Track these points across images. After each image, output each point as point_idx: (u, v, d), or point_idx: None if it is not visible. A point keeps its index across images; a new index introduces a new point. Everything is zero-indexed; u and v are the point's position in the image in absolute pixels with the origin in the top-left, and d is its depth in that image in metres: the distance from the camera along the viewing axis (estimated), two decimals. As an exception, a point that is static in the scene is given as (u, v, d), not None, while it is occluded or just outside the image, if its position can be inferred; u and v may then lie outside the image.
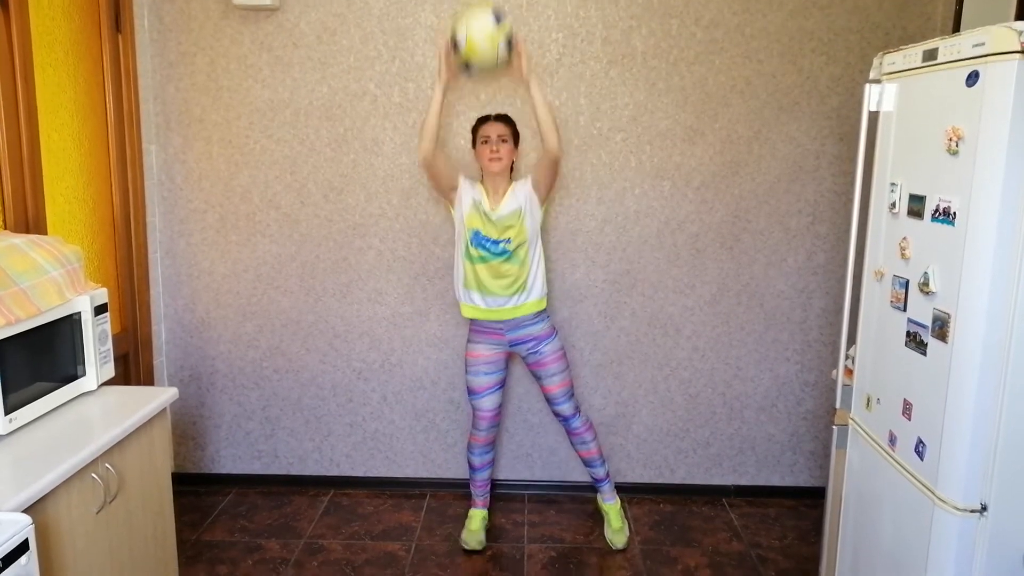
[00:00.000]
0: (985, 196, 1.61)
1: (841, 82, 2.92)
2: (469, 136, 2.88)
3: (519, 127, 2.78)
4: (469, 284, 2.71)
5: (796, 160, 2.98)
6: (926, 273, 1.80)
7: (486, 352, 2.77)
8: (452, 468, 3.27)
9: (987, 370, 1.65)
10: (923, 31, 2.88)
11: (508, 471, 3.27)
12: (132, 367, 2.98)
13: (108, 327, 2.19)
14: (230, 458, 3.30)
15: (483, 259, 2.66)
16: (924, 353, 1.82)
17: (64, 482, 1.69)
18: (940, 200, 1.75)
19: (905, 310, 1.91)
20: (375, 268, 3.12)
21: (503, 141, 2.64)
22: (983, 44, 1.59)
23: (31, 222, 2.33)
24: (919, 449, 1.83)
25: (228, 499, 3.20)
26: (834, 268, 3.05)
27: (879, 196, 2.08)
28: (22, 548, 1.41)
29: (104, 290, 2.17)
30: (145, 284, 3.06)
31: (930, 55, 1.81)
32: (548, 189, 2.69)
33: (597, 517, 3.05)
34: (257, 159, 3.06)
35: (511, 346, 2.77)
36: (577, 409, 2.84)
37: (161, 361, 3.20)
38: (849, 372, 2.24)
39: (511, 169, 2.72)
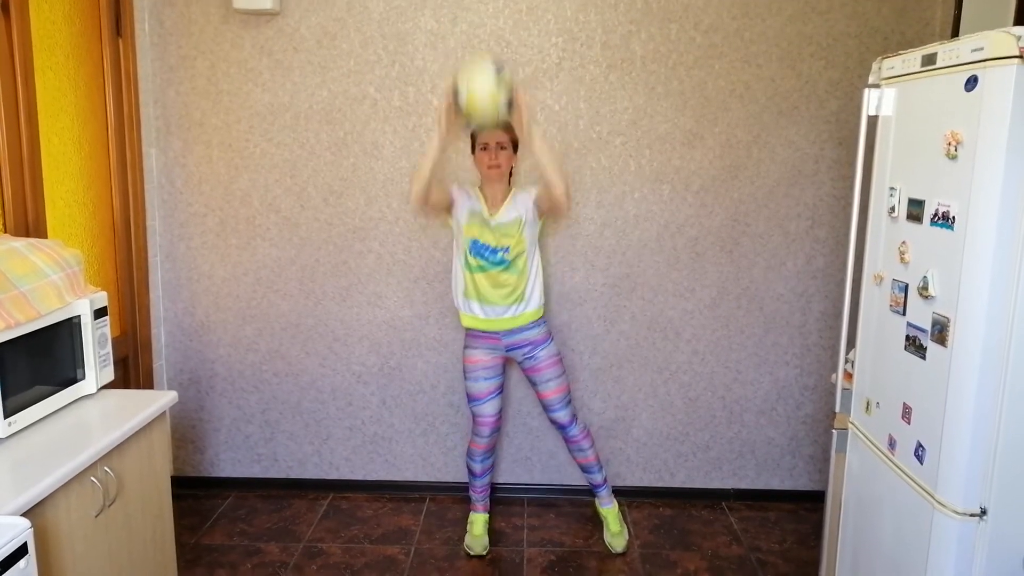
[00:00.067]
0: (984, 200, 1.61)
1: (840, 86, 2.93)
2: (468, 140, 2.88)
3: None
4: (469, 294, 2.71)
5: (795, 164, 2.98)
6: (925, 277, 1.80)
7: (484, 357, 2.77)
8: (452, 472, 3.27)
9: (986, 374, 1.65)
10: (922, 36, 2.89)
11: (508, 475, 3.26)
12: (132, 370, 2.98)
13: (108, 330, 2.19)
14: (229, 461, 3.30)
15: (482, 268, 2.66)
16: (923, 357, 1.82)
17: (63, 486, 1.69)
18: (939, 204, 1.76)
19: (904, 314, 1.91)
20: (375, 272, 3.12)
21: (502, 148, 2.64)
22: (982, 49, 1.60)
23: (31, 225, 2.33)
24: (919, 453, 1.83)
25: (227, 503, 3.19)
26: (833, 272, 3.05)
27: (878, 200, 2.08)
28: (21, 552, 1.41)
29: (104, 294, 2.17)
30: (145, 287, 3.06)
31: (929, 60, 1.81)
32: (545, 215, 2.72)
33: (597, 521, 3.04)
34: (257, 163, 3.06)
35: (507, 351, 2.77)
36: (574, 417, 2.83)
37: (161, 364, 3.19)
38: (849, 376, 2.24)
39: (510, 174, 2.73)
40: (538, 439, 3.22)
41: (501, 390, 2.83)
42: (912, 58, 1.90)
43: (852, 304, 2.18)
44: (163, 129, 3.05)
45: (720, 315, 3.10)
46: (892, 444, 1.96)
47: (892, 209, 1.99)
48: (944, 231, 1.74)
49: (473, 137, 2.70)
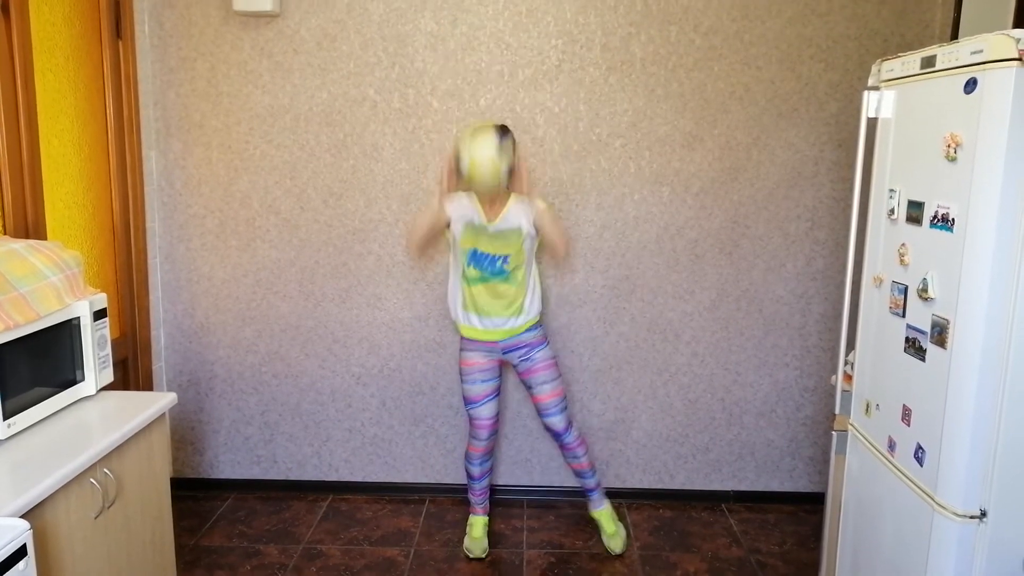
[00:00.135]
0: (983, 202, 1.61)
1: (840, 88, 2.93)
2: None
3: (516, 134, 2.79)
4: (467, 307, 2.71)
5: (795, 166, 2.99)
6: (925, 279, 1.80)
7: (481, 360, 2.77)
8: (451, 473, 3.26)
9: (986, 376, 1.65)
10: (921, 38, 2.90)
11: (507, 476, 3.26)
12: (131, 372, 2.97)
13: (107, 332, 2.19)
14: (229, 463, 3.30)
15: (482, 279, 2.65)
16: (923, 359, 1.82)
17: (62, 487, 1.69)
18: (939, 206, 1.76)
19: (904, 316, 1.91)
20: (374, 273, 3.12)
21: None
22: (981, 51, 1.60)
23: (31, 227, 2.33)
24: (918, 455, 1.83)
25: (227, 504, 3.19)
26: (833, 274, 3.05)
27: (878, 202, 2.08)
28: (20, 553, 1.41)
29: (103, 295, 2.17)
30: (144, 289, 3.06)
31: (928, 62, 1.82)
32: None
33: (596, 523, 3.04)
34: (257, 164, 3.06)
35: (504, 353, 2.77)
36: (570, 423, 2.82)
37: (160, 366, 3.19)
38: (848, 378, 2.24)
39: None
40: (538, 441, 3.22)
41: (498, 392, 2.83)
42: (911, 60, 1.90)
43: (852, 306, 2.18)
44: (163, 131, 3.05)
45: (720, 317, 3.10)
46: (892, 446, 1.96)
47: (892, 211, 1.99)
48: (944, 233, 1.74)
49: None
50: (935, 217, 1.77)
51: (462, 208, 2.68)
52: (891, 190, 2.00)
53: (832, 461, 2.29)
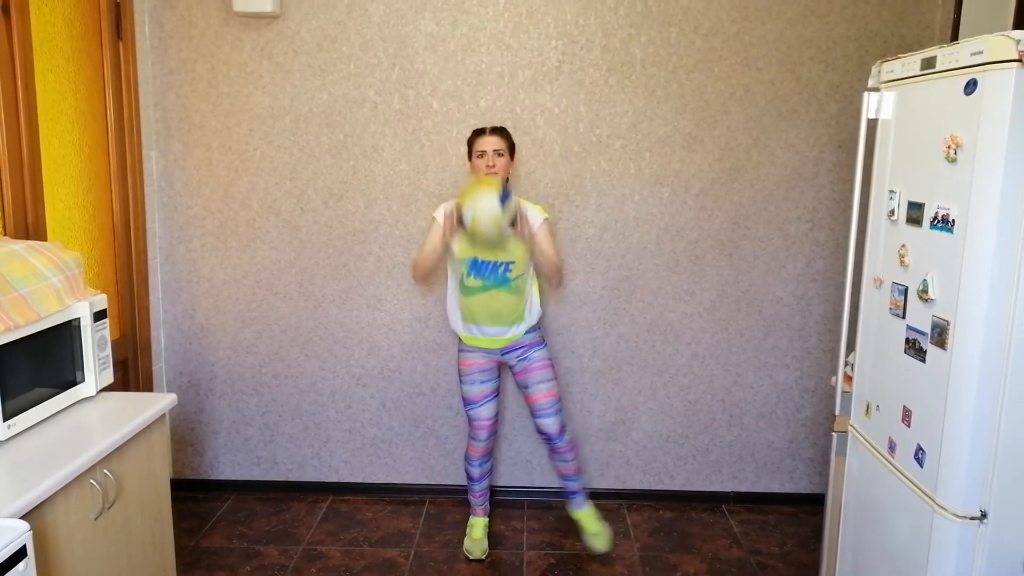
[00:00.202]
0: (983, 203, 1.61)
1: (840, 90, 2.93)
2: (465, 147, 2.88)
3: (515, 137, 2.79)
4: (467, 319, 2.71)
5: (795, 167, 2.99)
6: (925, 280, 1.80)
7: (480, 361, 2.77)
8: (451, 474, 3.26)
9: (986, 377, 1.65)
10: (921, 39, 2.90)
11: (507, 478, 3.26)
12: (131, 373, 2.97)
13: (107, 333, 2.19)
14: (229, 464, 3.29)
15: (484, 288, 2.64)
16: (923, 360, 1.82)
17: (62, 488, 1.68)
18: (939, 207, 1.76)
19: (904, 317, 1.91)
20: (374, 274, 3.12)
21: (499, 155, 2.64)
22: (981, 53, 1.60)
23: (31, 228, 2.33)
24: (919, 456, 1.83)
25: (226, 505, 3.19)
26: (833, 275, 3.05)
27: (878, 203, 2.08)
28: (20, 555, 1.41)
29: (103, 296, 2.17)
30: (144, 290, 3.06)
31: (928, 63, 1.82)
32: None
33: (579, 523, 3.04)
34: (257, 165, 3.06)
35: (502, 354, 2.77)
36: (563, 427, 2.81)
37: (160, 367, 3.19)
38: (848, 379, 2.24)
39: (507, 180, 2.72)
40: (538, 442, 3.22)
41: (498, 393, 2.83)
42: (912, 62, 1.90)
43: (852, 307, 2.18)
44: (163, 132, 3.05)
45: (720, 318, 3.10)
46: (892, 447, 1.96)
47: (892, 212, 1.99)
48: (944, 234, 1.74)
49: (470, 144, 2.70)
50: (935, 218, 1.77)
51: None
52: (891, 191, 2.00)
53: (832, 462, 2.28)
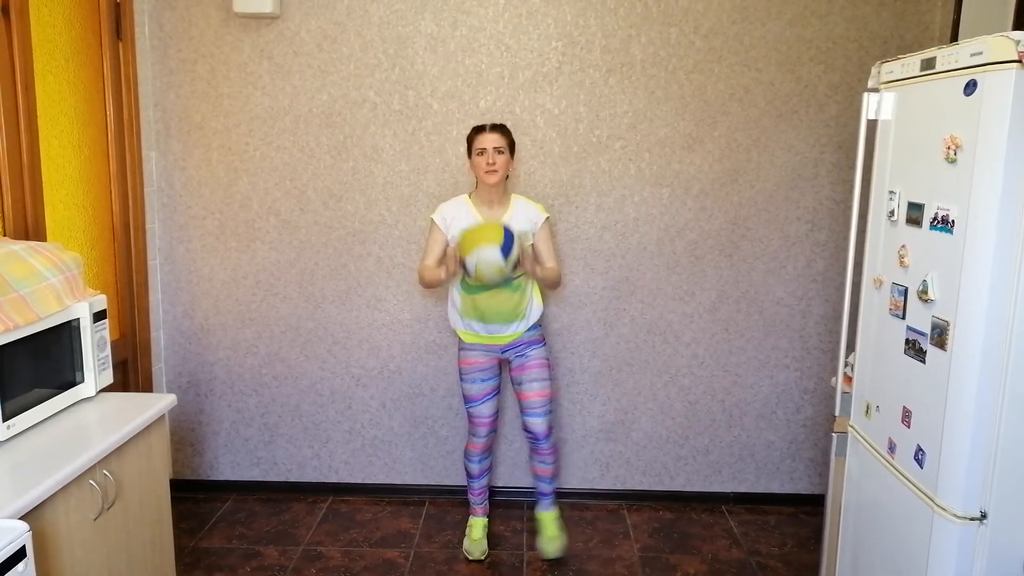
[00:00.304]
0: (983, 204, 1.61)
1: (839, 90, 2.93)
2: (465, 145, 2.88)
3: (515, 138, 2.79)
4: (468, 315, 2.71)
5: (795, 168, 2.99)
6: (925, 281, 1.80)
7: (480, 359, 2.77)
8: (451, 475, 3.26)
9: (986, 377, 1.65)
10: (921, 40, 2.90)
11: (507, 478, 3.26)
12: (131, 373, 2.97)
13: (107, 333, 2.19)
14: (228, 465, 3.29)
15: (485, 287, 2.64)
16: (923, 361, 1.82)
17: (62, 489, 1.68)
18: (939, 208, 1.76)
19: (904, 318, 1.91)
20: (374, 275, 3.12)
21: (499, 152, 2.62)
22: (981, 53, 1.60)
23: (30, 228, 2.33)
24: (919, 457, 1.83)
25: (226, 506, 3.19)
26: (833, 275, 3.05)
27: (878, 204, 2.08)
28: (19, 555, 1.41)
29: (103, 296, 2.17)
30: (144, 290, 3.06)
31: (928, 64, 1.82)
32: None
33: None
34: (257, 166, 3.06)
35: (502, 352, 2.77)
36: (550, 430, 2.80)
37: (160, 367, 3.19)
38: (848, 379, 2.24)
39: (506, 178, 2.73)
40: (538, 442, 3.22)
41: (498, 391, 2.83)
42: (911, 62, 1.90)
43: (852, 308, 2.18)
44: (163, 132, 3.05)
45: (720, 318, 3.10)
46: (892, 448, 1.96)
47: (892, 213, 1.99)
48: (943, 235, 1.74)
49: (469, 142, 2.70)
50: (935, 219, 1.77)
51: (458, 218, 2.67)
52: (891, 192, 2.00)
53: (832, 463, 2.28)
